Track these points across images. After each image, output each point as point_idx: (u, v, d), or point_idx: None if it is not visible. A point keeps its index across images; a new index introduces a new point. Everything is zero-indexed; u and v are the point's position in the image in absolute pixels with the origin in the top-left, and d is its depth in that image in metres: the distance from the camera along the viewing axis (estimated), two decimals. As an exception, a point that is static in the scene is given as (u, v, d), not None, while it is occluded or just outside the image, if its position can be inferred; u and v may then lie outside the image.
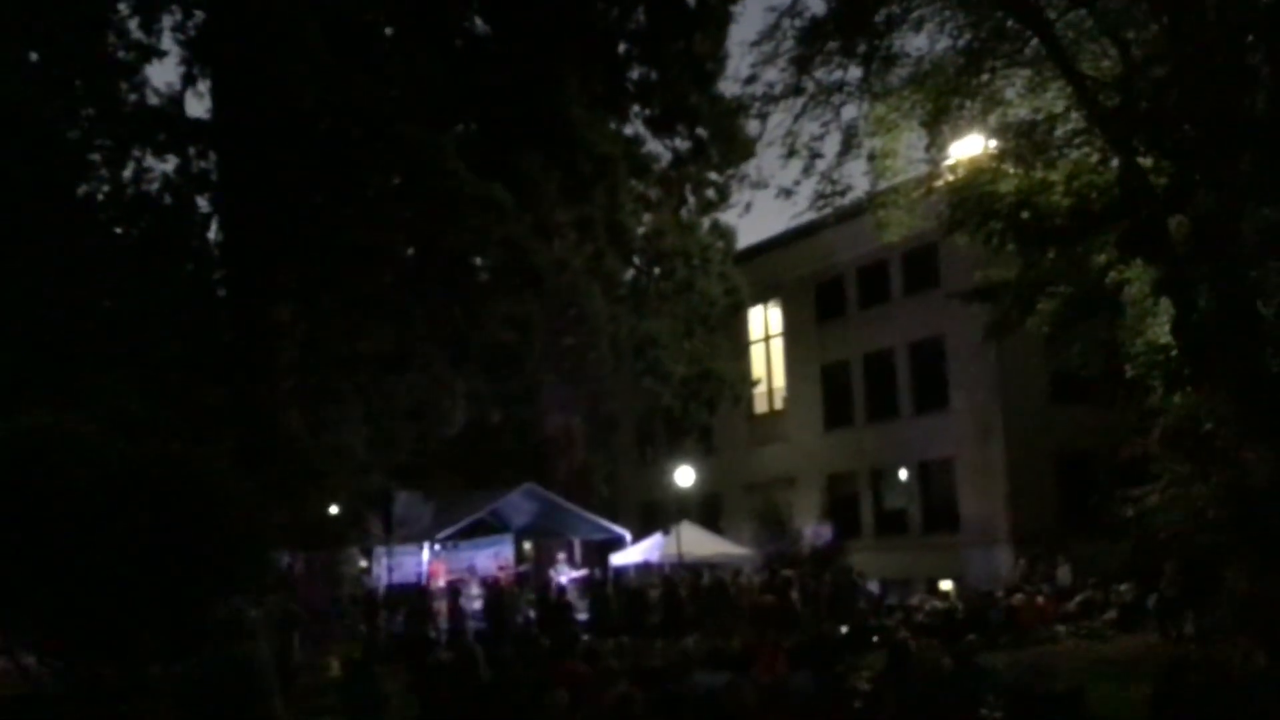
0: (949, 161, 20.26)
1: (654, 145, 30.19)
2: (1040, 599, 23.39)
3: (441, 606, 26.23)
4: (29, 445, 14.97)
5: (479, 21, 28.43)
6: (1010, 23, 18.57)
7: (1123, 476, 22.15)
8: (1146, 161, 18.61)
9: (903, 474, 33.19)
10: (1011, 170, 19.56)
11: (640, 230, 29.23)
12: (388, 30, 27.81)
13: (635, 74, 29.58)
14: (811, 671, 7.89)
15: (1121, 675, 13.32)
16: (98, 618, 14.20)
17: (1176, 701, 7.41)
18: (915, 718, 7.65)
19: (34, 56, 25.43)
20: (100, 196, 26.62)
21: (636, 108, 29.87)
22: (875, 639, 19.67)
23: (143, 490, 14.93)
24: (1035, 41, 18.78)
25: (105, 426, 16.25)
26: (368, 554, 30.78)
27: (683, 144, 29.80)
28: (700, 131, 29.27)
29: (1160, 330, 19.44)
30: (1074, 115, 19.25)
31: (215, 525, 15.38)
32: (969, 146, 19.80)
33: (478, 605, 26.39)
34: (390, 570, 29.12)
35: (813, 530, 33.95)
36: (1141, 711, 8.66)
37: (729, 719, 7.63)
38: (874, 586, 29.07)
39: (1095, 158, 19.26)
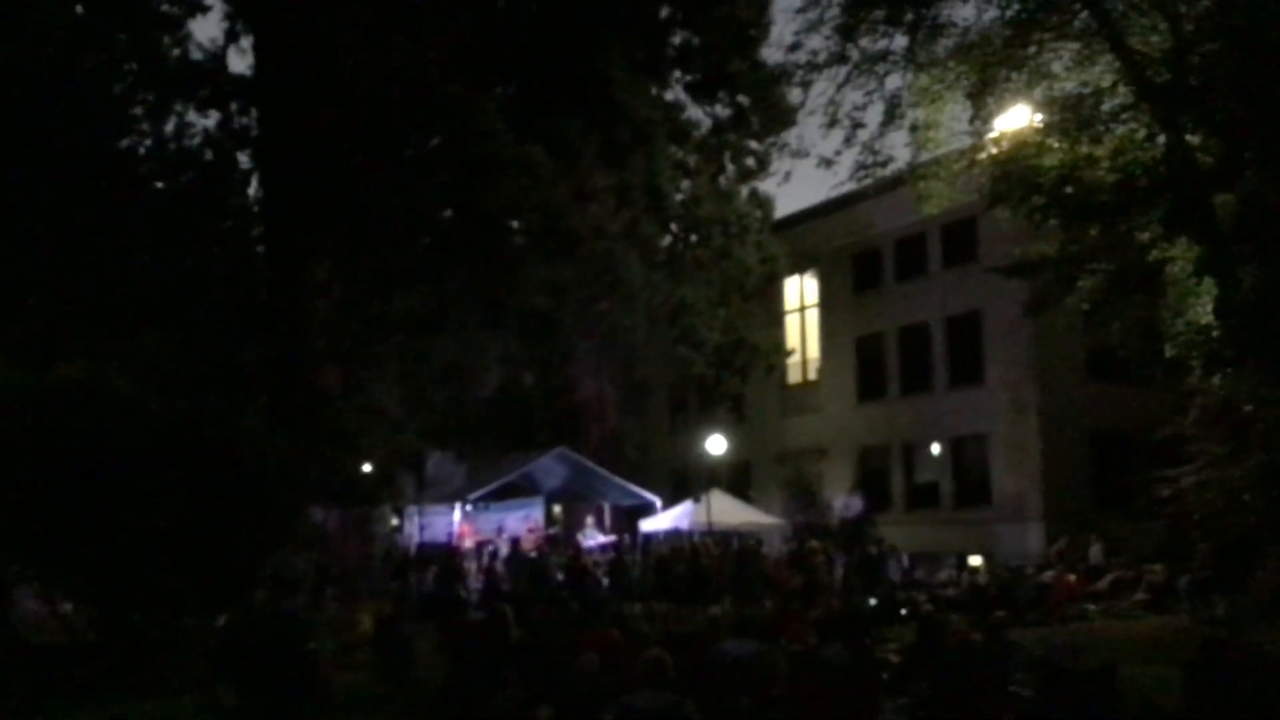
0: (993, 134, 20.03)
1: (694, 111, 30.04)
2: (1071, 577, 23.26)
3: (470, 567, 26.42)
4: (67, 398, 15.17)
5: (521, -18, 28.27)
6: (1059, -6, 18.32)
7: (1158, 456, 22.02)
8: (1194, 139, 18.37)
9: (935, 448, 33.04)
10: (1056, 145, 19.33)
11: (678, 197, 29.08)
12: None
13: (677, 39, 29.36)
14: (843, 643, 7.90)
15: (1152, 655, 13.23)
16: (134, 569, 14.41)
17: (1210, 683, 7.36)
18: (946, 692, 7.63)
19: (79, 10, 25.51)
20: (141, 151, 26.73)
21: (677, 73, 29.67)
22: (903, 612, 19.67)
23: (178, 445, 15.11)
24: (1084, 14, 18.53)
25: (142, 381, 16.43)
26: (399, 513, 31.02)
27: (723, 111, 29.62)
28: (741, 98, 29.06)
29: (1202, 310, 19.24)
30: (1121, 90, 18.96)
31: (250, 481, 15.56)
32: (1013, 119, 19.54)
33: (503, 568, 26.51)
34: (421, 529, 29.33)
35: (842, 502, 33.93)
36: (1174, 692, 8.60)
37: (761, 687, 7.66)
38: (904, 559, 29.02)
39: (1142, 134, 18.99)
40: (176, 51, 26.32)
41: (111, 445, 14.59)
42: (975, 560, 27.22)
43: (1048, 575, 23.20)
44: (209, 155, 26.76)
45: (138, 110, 26.45)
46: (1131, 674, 9.87)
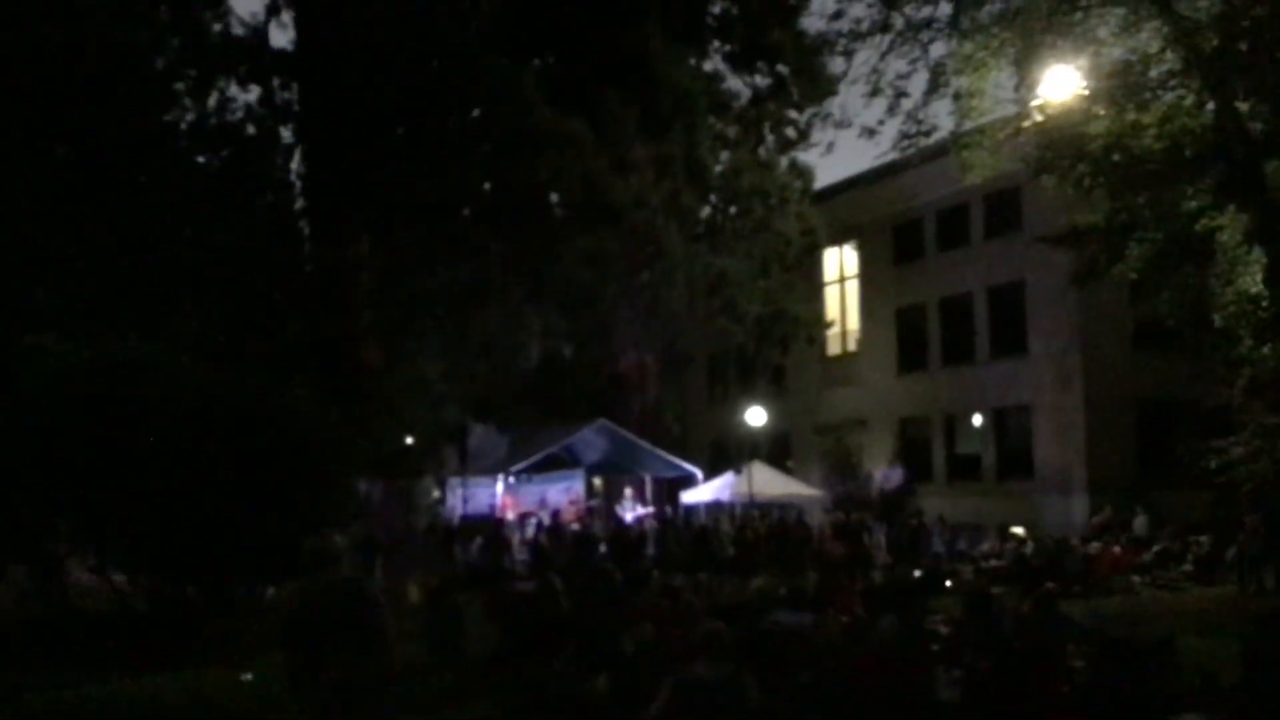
0: (1038, 102, 19.80)
1: (733, 82, 29.83)
2: (1116, 549, 23.14)
3: (513, 538, 26.60)
4: (118, 371, 15.36)
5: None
6: (1106, -40, 18.06)
7: (1206, 427, 21.84)
8: (1243, 105, 18.12)
9: (977, 419, 32.88)
10: (1103, 112, 19.11)
11: (718, 168, 28.94)
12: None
13: (716, 8, 29.17)
14: (896, 615, 7.90)
15: (1201, 628, 13.16)
16: (186, 541, 14.59)
17: (1270, 656, 7.31)
18: (1000, 664, 7.62)
19: (121, -14, 25.65)
20: (184, 126, 26.90)
21: (716, 43, 29.47)
22: (948, 584, 19.64)
23: (228, 418, 15.28)
24: (1131, -21, 18.26)
25: (190, 355, 16.61)
26: (442, 485, 31.25)
27: (763, 81, 29.38)
28: (781, 68, 28.82)
29: (1251, 279, 19.03)
30: (1169, 56, 18.68)
31: (298, 453, 15.72)
32: (1059, 87, 19.28)
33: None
34: (464, 501, 29.54)
35: (883, 473, 33.89)
36: (1227, 664, 8.54)
37: (815, 658, 7.69)
38: (946, 531, 28.97)
39: (1190, 100, 18.75)
40: (218, 26, 26.45)
41: (163, 419, 14.76)
42: (1018, 530, 27.09)
43: (1093, 547, 23.08)
44: (251, 130, 26.91)
45: (180, 86, 26.61)
46: (1182, 646, 9.81)
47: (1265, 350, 18.72)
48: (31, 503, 14.95)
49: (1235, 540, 21.39)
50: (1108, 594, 20.06)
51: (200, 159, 27.21)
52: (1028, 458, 31.34)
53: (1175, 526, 24.45)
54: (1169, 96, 18.81)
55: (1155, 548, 23.78)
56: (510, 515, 29.25)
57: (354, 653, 5.93)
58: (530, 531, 26.91)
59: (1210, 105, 18.29)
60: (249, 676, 11.76)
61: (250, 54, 26.36)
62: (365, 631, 6.00)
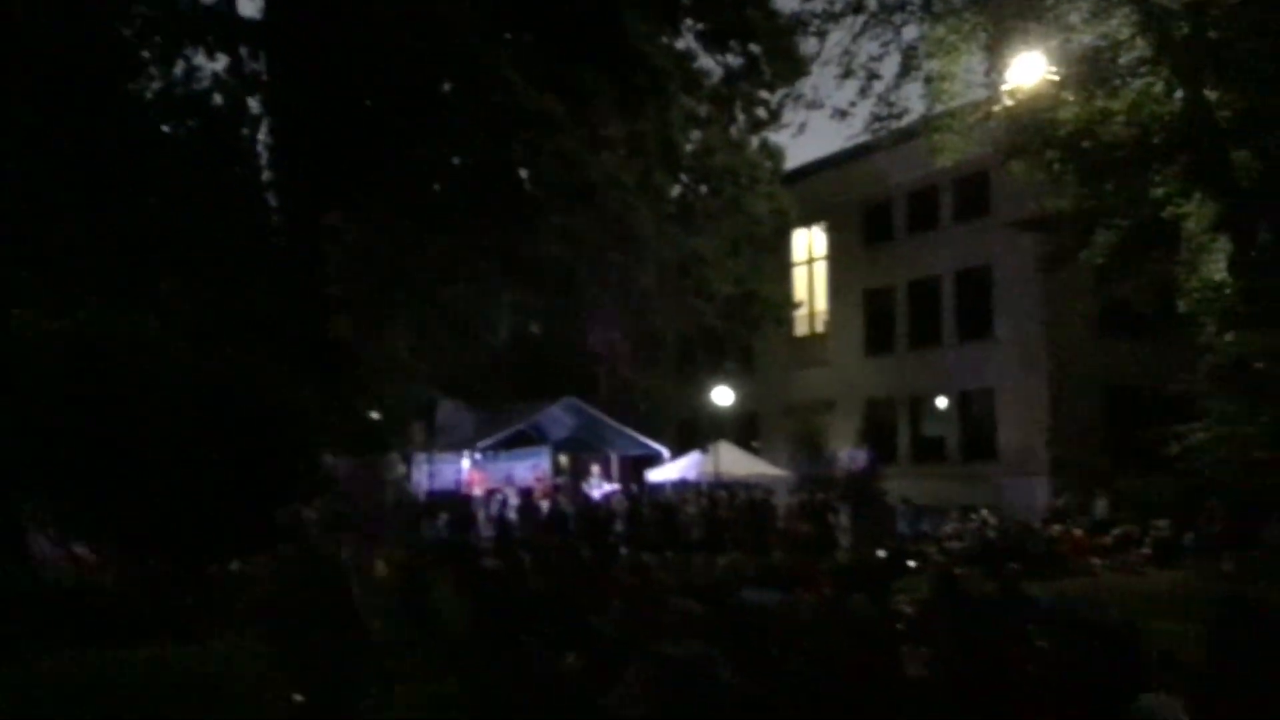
0: (1008, 87, 19.92)
1: (706, 61, 29.74)
2: (1078, 532, 23.42)
3: (480, 514, 26.61)
4: (88, 342, 15.23)
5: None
6: (1080, -55, 18.16)
7: (1169, 412, 22.07)
8: (1213, 94, 18.29)
9: (942, 402, 33.15)
10: (1072, 98, 19.26)
11: (689, 147, 28.92)
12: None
13: (690, -14, 29.06)
14: (866, 594, 7.99)
15: (1162, 611, 13.33)
16: (155, 513, 14.51)
17: (1233, 640, 7.41)
18: (965, 644, 7.71)
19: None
20: (149, 95, 26.58)
21: (690, 21, 29.36)
22: (912, 564, 19.81)
23: (200, 390, 15.19)
24: (1104, -35, 18.37)
25: (159, 326, 16.49)
26: (407, 460, 31.16)
27: (735, 60, 29.27)
28: (754, 48, 28.74)
29: (1216, 267, 19.26)
30: (1140, 43, 18.85)
31: (269, 426, 15.65)
32: (1030, 72, 19.40)
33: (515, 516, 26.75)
34: (431, 477, 29.51)
35: (849, 454, 34.05)
36: (1188, 647, 8.66)
37: (787, 636, 7.75)
38: (910, 512, 29.24)
39: (1160, 88, 18.93)
40: (186, -6, 26.13)
41: (134, 390, 14.66)
42: (981, 513, 27.36)
43: (1055, 529, 23.35)
44: (218, 100, 26.64)
45: (146, 54, 26.29)
46: (1144, 628, 9.94)
47: (1229, 337, 18.96)
48: (-3, 474, 14.83)
49: (1195, 525, 21.69)
50: (1069, 576, 20.29)
51: (166, 128, 26.91)
52: (992, 440, 31.62)
53: (1135, 511, 24.76)
54: (1138, 84, 18.98)
55: (1115, 531, 24.05)
56: (478, 491, 29.25)
57: (328, 626, 5.96)
58: (495, 508, 26.92)
59: (1179, 93, 18.46)
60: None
61: (218, 23, 26.05)
62: (338, 605, 6.04)
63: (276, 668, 6.25)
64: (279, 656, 6.07)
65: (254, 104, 26.89)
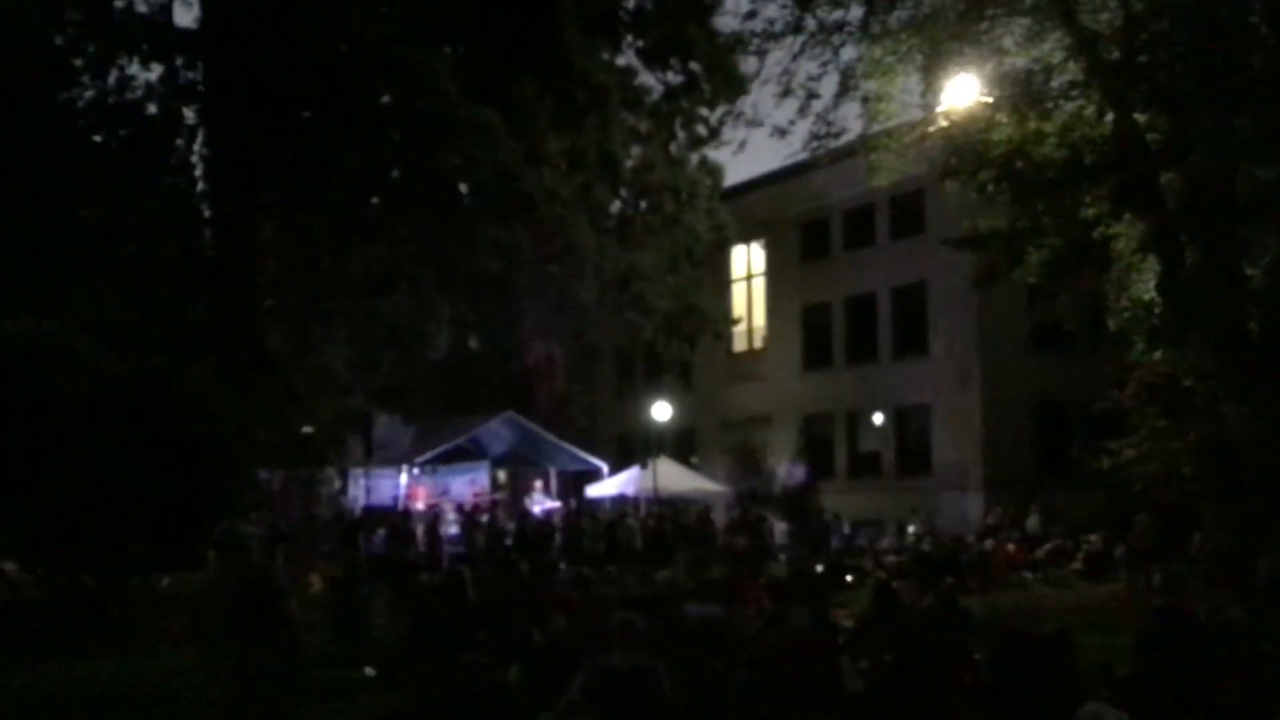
0: (943, 108, 20.18)
1: (646, 77, 29.88)
2: (1010, 546, 23.73)
3: (419, 529, 26.40)
4: (13, 352, 14.93)
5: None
6: (1013, -31, 18.46)
7: (1099, 428, 22.46)
8: (1142, 117, 18.66)
9: (878, 418, 33.45)
10: (1006, 120, 19.54)
11: (629, 163, 28.98)
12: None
13: (631, 3, 29.20)
14: (806, 608, 8.05)
15: (1093, 622, 13.59)
16: (81, 527, 14.25)
17: (1160, 649, 7.59)
18: (902, 655, 7.81)
19: (20, -43, 24.88)
20: (81, 104, 26.17)
21: (630, 38, 29.48)
22: (849, 578, 19.97)
23: (129, 401, 14.95)
24: (1037, -11, 18.68)
25: (88, 336, 16.22)
26: (344, 475, 30.84)
27: (675, 78, 29.45)
28: (694, 65, 28.93)
29: (1145, 286, 19.60)
30: (1072, 66, 19.18)
31: (200, 439, 15.43)
32: (964, 94, 19.69)
33: (454, 530, 26.58)
34: (368, 492, 29.23)
35: (786, 469, 34.25)
36: (1118, 658, 8.85)
37: (729, 649, 7.79)
38: (845, 527, 29.50)
39: (1091, 111, 19.26)
40: (120, 3, 25.77)
41: (59, 400, 14.40)
42: (912, 528, 27.64)
43: (989, 543, 23.64)
44: (152, 110, 26.28)
45: (79, 62, 25.89)
46: (1076, 640, 10.11)
47: (1157, 355, 19.31)
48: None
49: (1125, 539, 22.05)
50: (1002, 589, 20.56)
51: (96, 137, 26.49)
52: (927, 456, 31.96)
53: (1067, 525, 25.14)
54: (1070, 106, 19.31)
55: (1047, 545, 24.41)
56: (420, 505, 29.00)
57: (262, 641, 5.88)
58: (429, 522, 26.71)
59: (1110, 116, 18.80)
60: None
61: (153, 32, 25.71)
62: (273, 620, 5.96)
63: (210, 682, 6.15)
64: (212, 671, 5.98)
65: (190, 114, 26.57)
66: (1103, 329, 21.45)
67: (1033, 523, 26.40)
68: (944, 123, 20.15)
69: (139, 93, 26.33)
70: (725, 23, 27.50)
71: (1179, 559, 19.85)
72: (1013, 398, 30.21)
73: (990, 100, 19.50)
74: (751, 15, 20.61)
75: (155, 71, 26.19)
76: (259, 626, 5.93)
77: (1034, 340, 29.73)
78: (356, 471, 29.82)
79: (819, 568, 20.19)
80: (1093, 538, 23.58)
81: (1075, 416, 27.80)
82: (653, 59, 29.29)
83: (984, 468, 30.06)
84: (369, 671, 10.68)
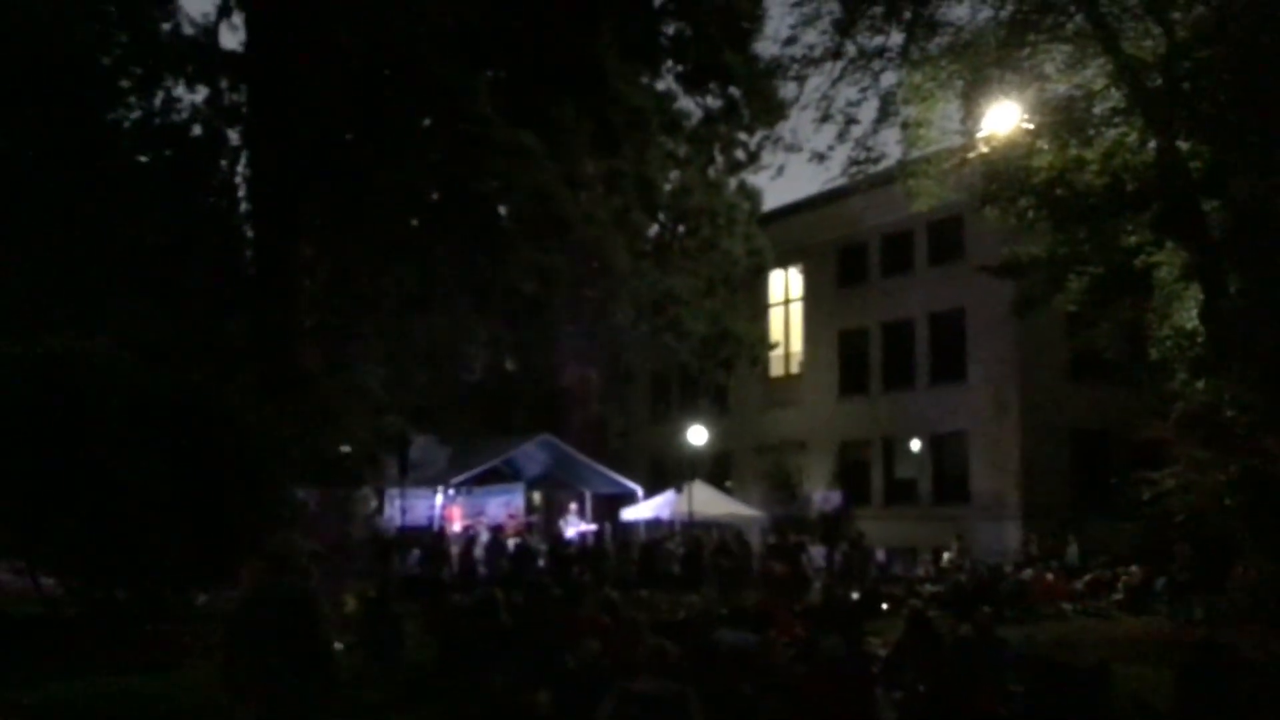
0: (983, 134, 20.15)
1: (685, 102, 29.88)
2: (1049, 576, 23.46)
3: (454, 550, 26.40)
4: (53, 368, 15.05)
5: (517, -36, 28.12)
6: (1054, -4, 18.43)
7: (1139, 458, 22.21)
8: (1185, 144, 18.53)
9: (915, 445, 33.22)
10: (1046, 146, 19.49)
11: (667, 187, 28.98)
12: (425, -31, 27.54)
13: (670, 28, 29.20)
14: (840, 636, 7.96)
15: (1133, 655, 13.37)
16: (120, 542, 14.32)
17: (1202, 685, 7.45)
18: (940, 686, 7.70)
19: (69, -21, 25.27)
20: (127, 124, 26.53)
21: (670, 63, 29.51)
22: (884, 606, 19.77)
23: (167, 417, 15.03)
24: (1078, 17, 18.65)
25: (129, 354, 16.33)
26: (379, 494, 30.93)
27: (715, 102, 29.38)
28: (733, 90, 28.88)
29: (1187, 315, 19.44)
30: (1114, 93, 19.13)
31: (236, 456, 15.50)
32: (1005, 120, 19.65)
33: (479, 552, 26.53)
34: (403, 512, 29.30)
35: (822, 496, 34.07)
36: (1160, 692, 8.69)
37: (760, 676, 7.71)
38: (880, 555, 29.27)
39: (1133, 138, 19.16)
40: (167, 25, 26.13)
41: (99, 416, 14.50)
42: (946, 556, 27.37)
43: (1027, 573, 23.37)
44: (197, 130, 26.59)
45: (125, 84, 26.26)
46: (1115, 673, 9.96)
47: (1199, 385, 19.10)
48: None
49: (1166, 570, 21.77)
50: (1040, 620, 20.31)
51: (142, 158, 26.83)
52: (964, 484, 31.69)
53: (1107, 556, 24.84)
54: (1112, 133, 19.22)
55: (1087, 576, 24.12)
56: (456, 526, 29.02)
57: (296, 660, 5.86)
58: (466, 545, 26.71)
59: (1152, 143, 18.68)
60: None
61: (199, 54, 26.03)
62: (308, 640, 5.93)
63: (240, 700, 6.13)
64: (239, 692, 5.95)
65: (233, 135, 26.86)
66: (1144, 358, 21.25)
67: (1072, 553, 26.12)
68: (984, 149, 20.12)
69: (184, 114, 26.68)
70: (765, 48, 27.53)
71: (1220, 591, 19.63)
72: (1052, 426, 29.93)
73: (1031, 126, 19.44)
74: (791, 41, 20.74)
75: (200, 93, 26.56)
76: (295, 651, 5.89)
77: (1074, 368, 29.50)
78: (392, 491, 29.91)
79: (854, 596, 20.02)
80: (1133, 569, 23.28)
81: (1115, 446, 27.53)
82: (692, 83, 29.29)
83: (1022, 496, 29.76)
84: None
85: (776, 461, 36.16)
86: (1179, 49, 17.76)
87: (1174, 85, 17.91)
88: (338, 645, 6.31)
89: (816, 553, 27.40)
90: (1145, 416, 21.36)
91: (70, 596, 16.06)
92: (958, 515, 30.86)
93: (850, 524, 30.45)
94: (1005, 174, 20.12)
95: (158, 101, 26.50)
